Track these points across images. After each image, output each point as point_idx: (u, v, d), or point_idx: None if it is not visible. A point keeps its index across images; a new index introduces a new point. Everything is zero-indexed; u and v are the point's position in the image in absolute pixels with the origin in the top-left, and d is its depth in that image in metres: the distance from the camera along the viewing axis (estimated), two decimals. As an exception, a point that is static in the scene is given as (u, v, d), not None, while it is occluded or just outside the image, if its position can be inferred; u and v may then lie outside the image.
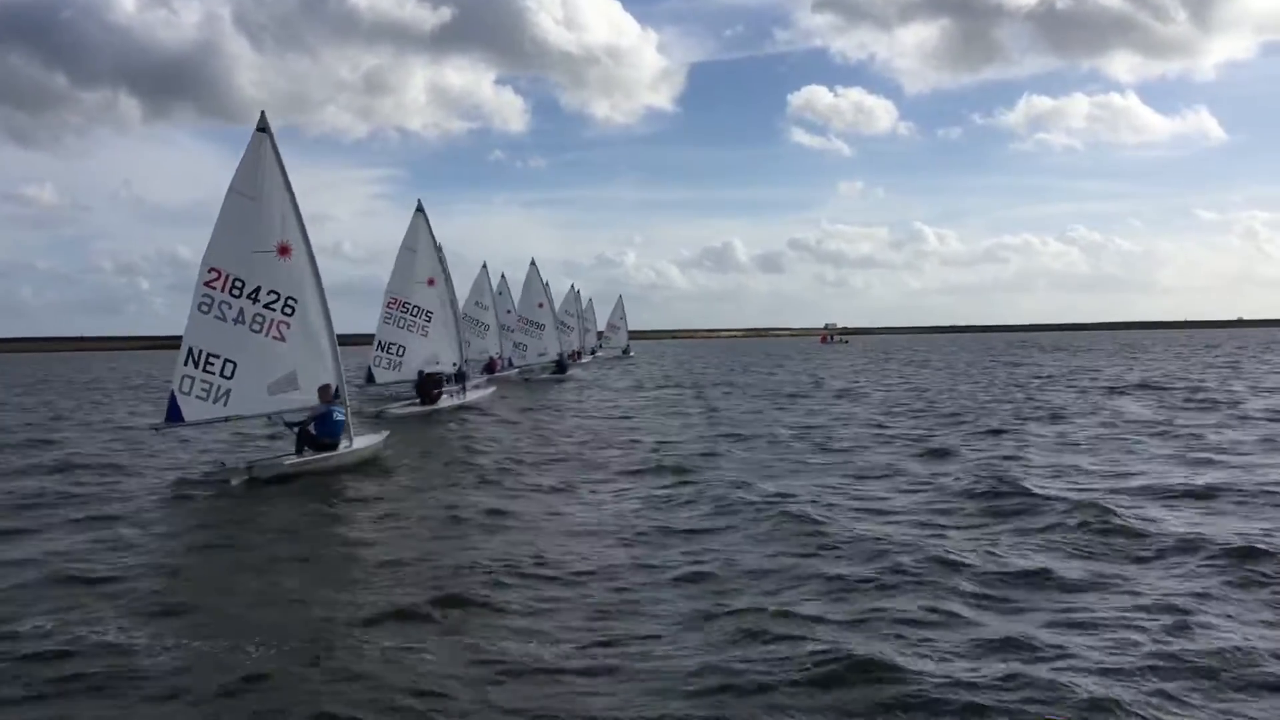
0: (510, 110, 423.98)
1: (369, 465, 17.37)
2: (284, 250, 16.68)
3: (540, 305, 47.02)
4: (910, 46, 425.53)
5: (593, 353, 75.81)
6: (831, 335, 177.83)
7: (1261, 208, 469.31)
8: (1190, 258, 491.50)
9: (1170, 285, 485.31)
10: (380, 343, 27.16)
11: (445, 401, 27.72)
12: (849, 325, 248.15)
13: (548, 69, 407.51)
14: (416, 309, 27.84)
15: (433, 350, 28.07)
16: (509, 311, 49.28)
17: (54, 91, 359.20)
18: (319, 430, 16.75)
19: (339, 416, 16.96)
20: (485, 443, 21.24)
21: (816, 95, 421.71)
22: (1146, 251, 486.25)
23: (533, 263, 48.26)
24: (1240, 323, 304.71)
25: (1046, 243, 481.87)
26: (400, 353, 27.36)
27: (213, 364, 16.15)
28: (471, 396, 30.04)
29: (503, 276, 52.49)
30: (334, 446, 16.84)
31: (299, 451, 16.66)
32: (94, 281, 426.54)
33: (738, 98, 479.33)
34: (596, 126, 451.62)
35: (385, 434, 19.02)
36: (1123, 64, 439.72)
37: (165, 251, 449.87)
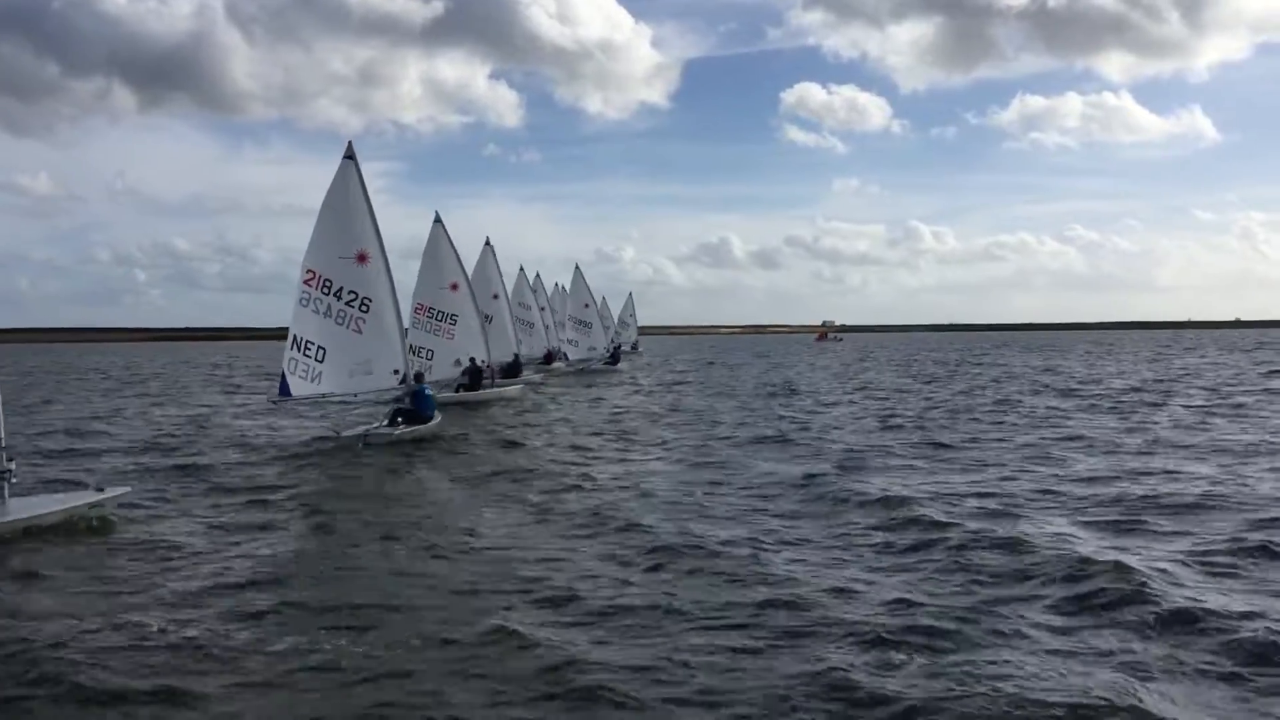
0: (504, 105, 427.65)
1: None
2: (362, 258, 21.39)
3: (587, 305, 53.62)
4: (903, 44, 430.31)
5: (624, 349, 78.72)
6: (828, 333, 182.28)
7: (1258, 208, 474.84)
8: (1188, 258, 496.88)
9: (1168, 285, 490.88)
10: (412, 346, 30.13)
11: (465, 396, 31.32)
12: (847, 323, 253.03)
13: (541, 63, 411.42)
14: (442, 314, 30.92)
15: (460, 351, 31.05)
16: (542, 309, 54.29)
17: (46, 81, 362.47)
18: (416, 406, 21.41)
19: (429, 393, 21.78)
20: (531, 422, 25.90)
21: (810, 92, 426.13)
22: (1144, 251, 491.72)
23: (576, 267, 55.08)
24: (1238, 323, 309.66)
25: (1044, 241, 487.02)
26: (430, 356, 29.95)
27: (310, 349, 20.63)
28: (509, 390, 33.49)
29: (537, 276, 58.22)
30: (426, 420, 21.40)
31: (392, 424, 21.10)
32: (91, 273, 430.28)
33: (732, 94, 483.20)
34: (591, 121, 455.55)
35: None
36: (1116, 64, 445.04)
37: (162, 243, 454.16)
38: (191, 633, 7.95)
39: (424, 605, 8.83)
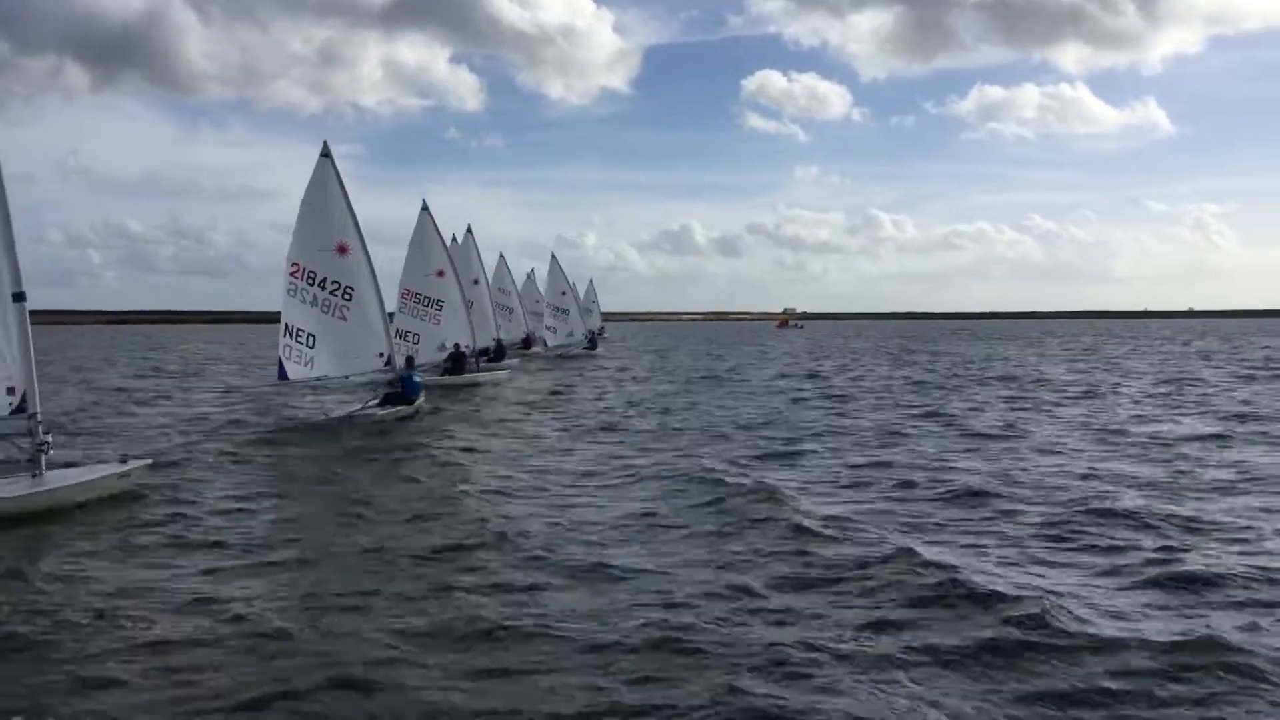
0: (465, 89, 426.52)
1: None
2: (343, 249, 22.83)
3: (564, 293, 55.21)
4: (864, 33, 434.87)
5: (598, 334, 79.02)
6: (789, 320, 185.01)
7: (1210, 200, 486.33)
8: (1142, 248, 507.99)
9: (1123, 275, 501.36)
10: (398, 330, 30.58)
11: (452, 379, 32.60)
12: (808, 310, 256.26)
13: (502, 47, 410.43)
14: (428, 299, 32.17)
15: (446, 335, 32.28)
16: (538, 301, 57.12)
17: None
18: (404, 389, 23.41)
19: (417, 379, 23.82)
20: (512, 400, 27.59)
21: (770, 80, 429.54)
22: (1099, 241, 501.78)
23: (553, 256, 56.41)
24: (1191, 313, 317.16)
25: (1002, 231, 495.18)
26: (416, 340, 31.21)
27: (301, 336, 22.20)
28: (499, 374, 35.16)
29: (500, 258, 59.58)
30: (412, 402, 23.45)
31: (382, 405, 23.09)
32: (43, 253, 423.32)
33: (693, 81, 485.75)
34: (553, 107, 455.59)
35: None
36: (1072, 55, 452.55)
37: (115, 224, 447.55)
38: (208, 591, 9.34)
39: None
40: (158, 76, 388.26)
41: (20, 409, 12.55)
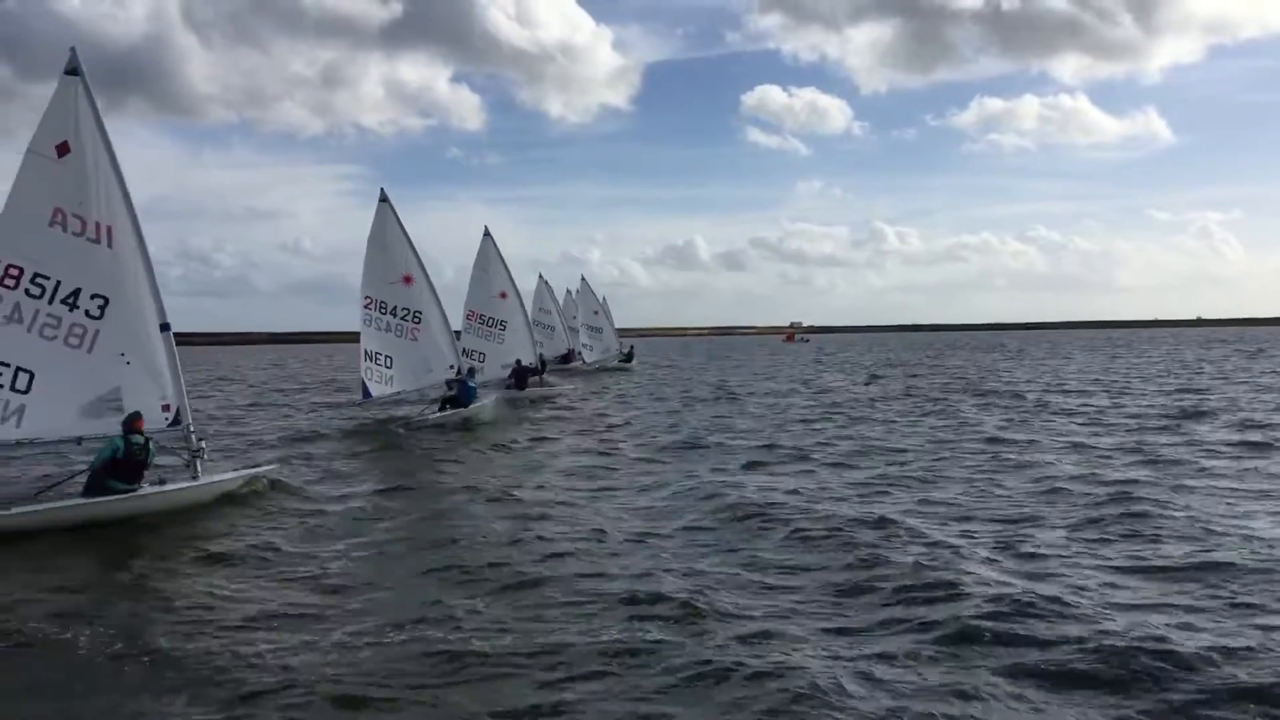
0: (466, 108, 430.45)
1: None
2: (408, 279, 26.27)
3: (596, 312, 58.90)
4: (862, 46, 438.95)
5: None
6: (795, 334, 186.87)
7: (1213, 208, 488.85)
8: (1147, 258, 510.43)
9: (1128, 285, 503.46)
10: (465, 349, 32.42)
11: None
12: (814, 324, 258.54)
13: (502, 66, 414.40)
14: (492, 320, 34.55)
15: (510, 354, 34.35)
16: (574, 318, 59.91)
17: (0, 85, 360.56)
18: (460, 395, 26.53)
19: (472, 385, 26.97)
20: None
21: (770, 95, 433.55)
22: (1104, 251, 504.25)
23: (583, 278, 60.29)
24: (1199, 322, 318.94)
25: (1005, 242, 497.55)
26: (482, 358, 33.42)
27: (379, 359, 25.75)
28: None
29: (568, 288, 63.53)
30: (466, 405, 26.47)
31: (441, 408, 26.31)
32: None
33: (693, 97, 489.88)
34: (554, 125, 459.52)
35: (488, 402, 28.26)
36: (1071, 66, 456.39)
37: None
38: (335, 577, 11.26)
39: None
40: (162, 101, 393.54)
41: (175, 422, 14.58)
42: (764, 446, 21.47)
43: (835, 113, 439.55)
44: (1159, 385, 39.00)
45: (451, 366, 26.63)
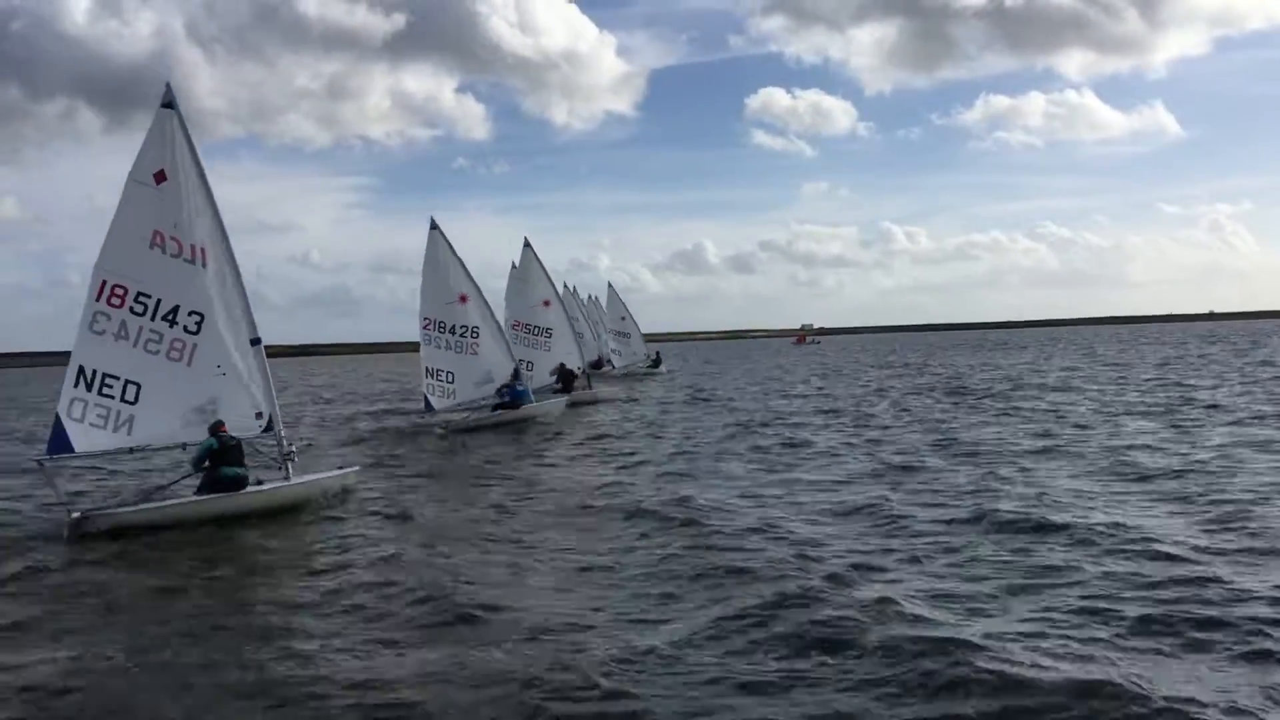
0: (472, 117, 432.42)
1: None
2: (463, 299, 28.59)
3: (624, 318, 60.58)
4: (865, 46, 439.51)
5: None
6: (807, 336, 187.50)
7: (1223, 201, 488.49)
8: (1158, 252, 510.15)
9: (1140, 280, 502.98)
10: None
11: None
12: (825, 325, 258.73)
13: (506, 74, 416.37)
14: (537, 328, 35.99)
15: (557, 360, 35.61)
16: (598, 323, 61.29)
17: (8, 105, 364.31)
18: (512, 398, 28.47)
19: (521, 387, 28.76)
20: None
21: (773, 97, 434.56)
22: (1115, 246, 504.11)
23: (610, 286, 62.56)
24: (1211, 316, 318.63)
25: (1016, 240, 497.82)
26: (530, 366, 34.10)
27: (440, 375, 28.01)
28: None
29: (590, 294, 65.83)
30: (518, 407, 28.54)
31: (494, 411, 28.40)
32: (63, 296, 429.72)
33: (698, 101, 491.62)
34: (560, 131, 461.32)
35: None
36: (1076, 61, 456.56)
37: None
38: (428, 560, 12.53)
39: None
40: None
41: (268, 428, 15.87)
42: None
43: (840, 114, 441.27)
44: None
45: (518, 372, 28.94)
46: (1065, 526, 12.28)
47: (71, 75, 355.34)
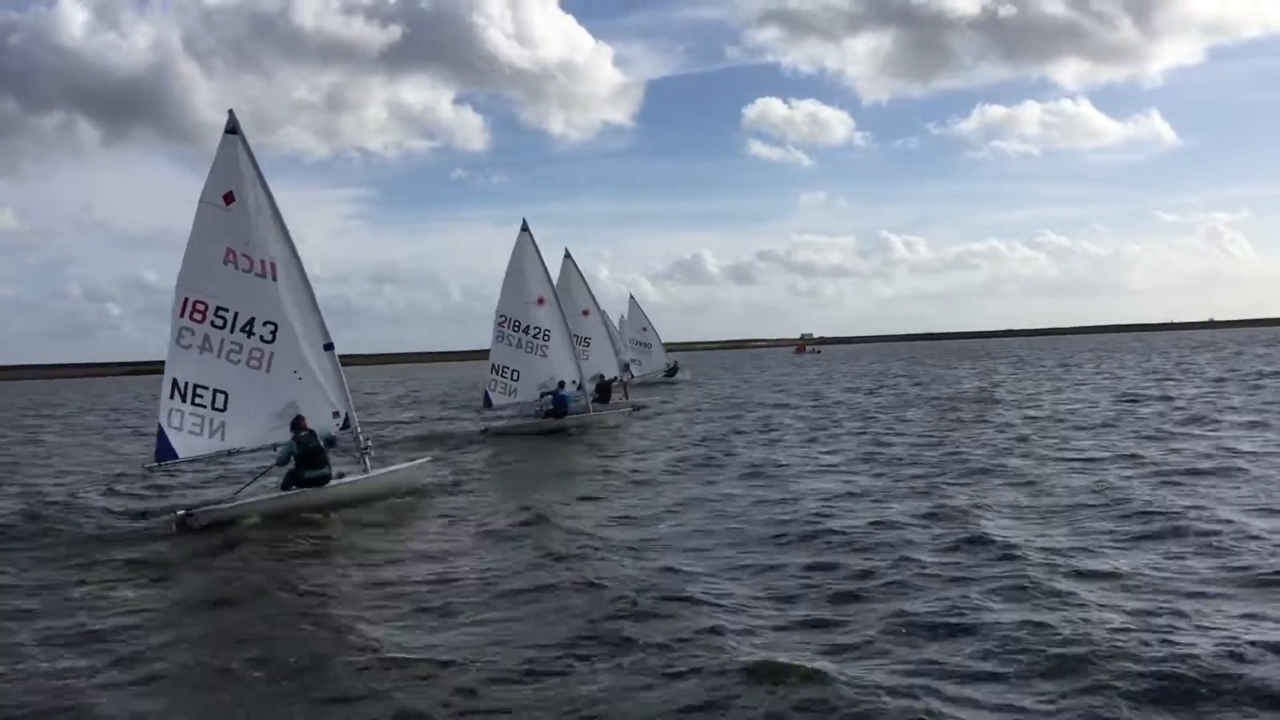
0: (470, 128, 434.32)
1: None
2: (540, 301, 30.28)
3: (644, 329, 62.03)
4: (861, 56, 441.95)
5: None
6: (806, 345, 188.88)
7: (1222, 209, 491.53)
8: (1157, 260, 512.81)
9: (1139, 288, 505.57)
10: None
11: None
12: (825, 334, 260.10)
13: (504, 85, 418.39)
14: (576, 337, 35.67)
15: (595, 369, 36.12)
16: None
17: (6, 117, 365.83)
18: (558, 405, 29.46)
19: (564, 393, 29.69)
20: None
21: (770, 108, 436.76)
22: (1114, 255, 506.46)
23: (631, 297, 63.73)
24: (1212, 323, 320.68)
25: (1014, 248, 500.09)
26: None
27: (506, 373, 29.50)
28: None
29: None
30: (563, 415, 29.58)
31: (540, 418, 29.86)
32: (62, 308, 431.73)
33: (695, 112, 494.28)
34: (558, 142, 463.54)
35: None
36: (1071, 71, 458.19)
37: (133, 276, 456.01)
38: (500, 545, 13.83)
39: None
40: (167, 129, 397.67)
41: (345, 425, 17.19)
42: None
43: (836, 124, 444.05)
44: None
45: (573, 381, 30.03)
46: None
47: (69, 88, 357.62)
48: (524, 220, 30.02)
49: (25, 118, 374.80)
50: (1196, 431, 23.40)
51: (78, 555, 13.72)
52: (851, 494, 16.52)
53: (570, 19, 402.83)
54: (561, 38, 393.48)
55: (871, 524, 13.71)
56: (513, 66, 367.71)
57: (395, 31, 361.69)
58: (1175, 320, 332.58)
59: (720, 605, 10.02)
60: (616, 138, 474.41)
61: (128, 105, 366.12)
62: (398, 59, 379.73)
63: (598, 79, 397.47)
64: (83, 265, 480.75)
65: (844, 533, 13.21)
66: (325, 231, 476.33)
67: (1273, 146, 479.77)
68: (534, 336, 29.78)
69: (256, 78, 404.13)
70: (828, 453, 22.55)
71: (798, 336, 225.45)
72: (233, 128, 17.29)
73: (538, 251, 30.16)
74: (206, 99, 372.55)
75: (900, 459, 20.68)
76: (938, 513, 14.23)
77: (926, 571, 10.95)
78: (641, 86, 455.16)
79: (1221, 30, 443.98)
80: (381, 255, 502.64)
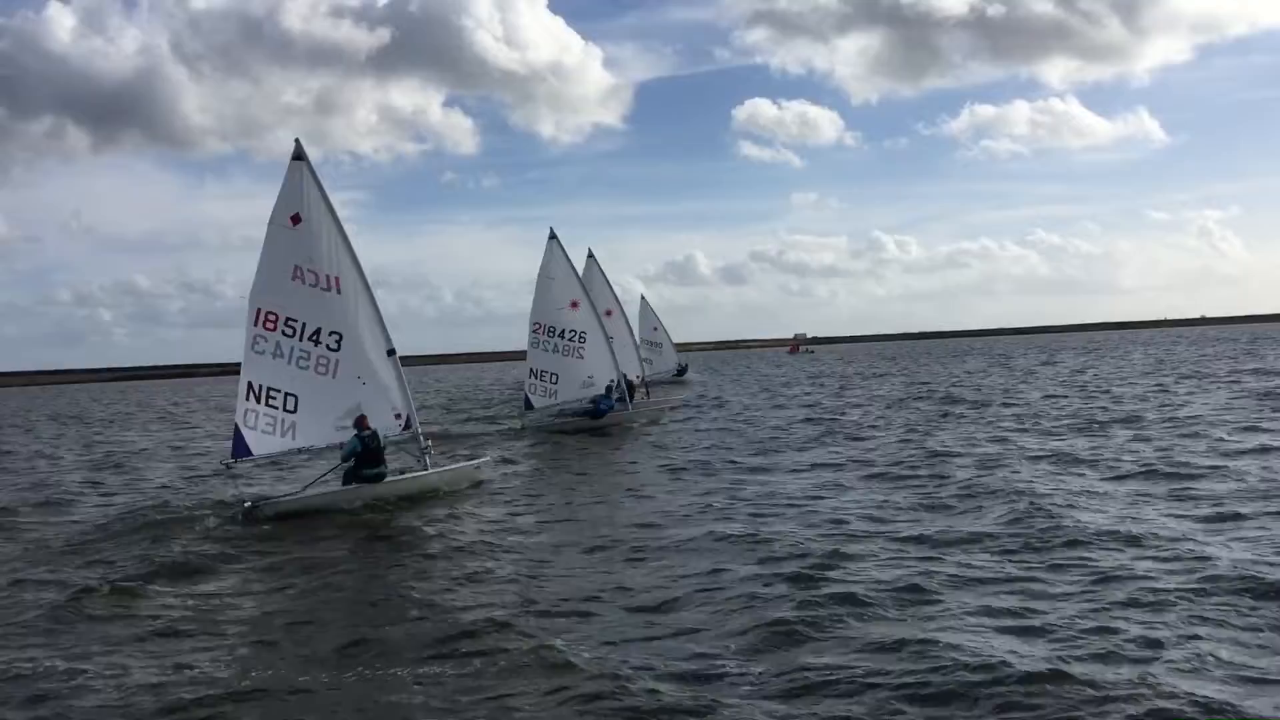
0: (460, 131, 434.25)
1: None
2: (574, 305, 32.15)
3: (655, 329, 63.88)
4: (850, 57, 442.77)
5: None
6: (800, 345, 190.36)
7: (1212, 207, 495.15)
8: (1148, 258, 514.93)
9: (1131, 286, 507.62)
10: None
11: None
12: (819, 334, 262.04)
13: (493, 88, 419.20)
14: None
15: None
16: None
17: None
18: (599, 407, 31.17)
19: (605, 399, 31.38)
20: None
21: (760, 108, 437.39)
22: (1105, 253, 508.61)
23: (643, 298, 65.55)
24: (1204, 320, 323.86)
25: (1005, 247, 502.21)
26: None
27: (544, 377, 31.34)
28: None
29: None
30: (599, 417, 31.28)
31: (579, 418, 31.76)
32: (52, 314, 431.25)
33: (685, 113, 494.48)
34: (548, 145, 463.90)
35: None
36: (1059, 69, 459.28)
37: (123, 281, 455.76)
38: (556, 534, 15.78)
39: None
40: (156, 134, 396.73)
41: (406, 426, 18.99)
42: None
43: (826, 124, 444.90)
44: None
45: (611, 380, 31.79)
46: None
47: (57, 93, 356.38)
48: (551, 229, 31.69)
49: (13, 124, 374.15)
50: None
51: (155, 542, 15.45)
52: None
53: (559, 21, 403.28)
54: (551, 40, 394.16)
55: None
56: (502, 69, 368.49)
57: (384, 35, 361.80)
58: (1167, 318, 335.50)
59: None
60: (607, 139, 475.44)
61: (116, 110, 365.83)
62: (387, 62, 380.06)
63: (588, 81, 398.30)
64: (73, 271, 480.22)
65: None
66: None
67: (1262, 144, 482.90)
68: (569, 340, 31.49)
69: (245, 82, 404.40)
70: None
71: (791, 337, 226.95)
72: (298, 155, 19.04)
73: (566, 257, 31.96)
74: (195, 103, 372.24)
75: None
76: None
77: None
78: (631, 88, 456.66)
79: (1209, 29, 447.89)
80: (373, 258, 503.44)
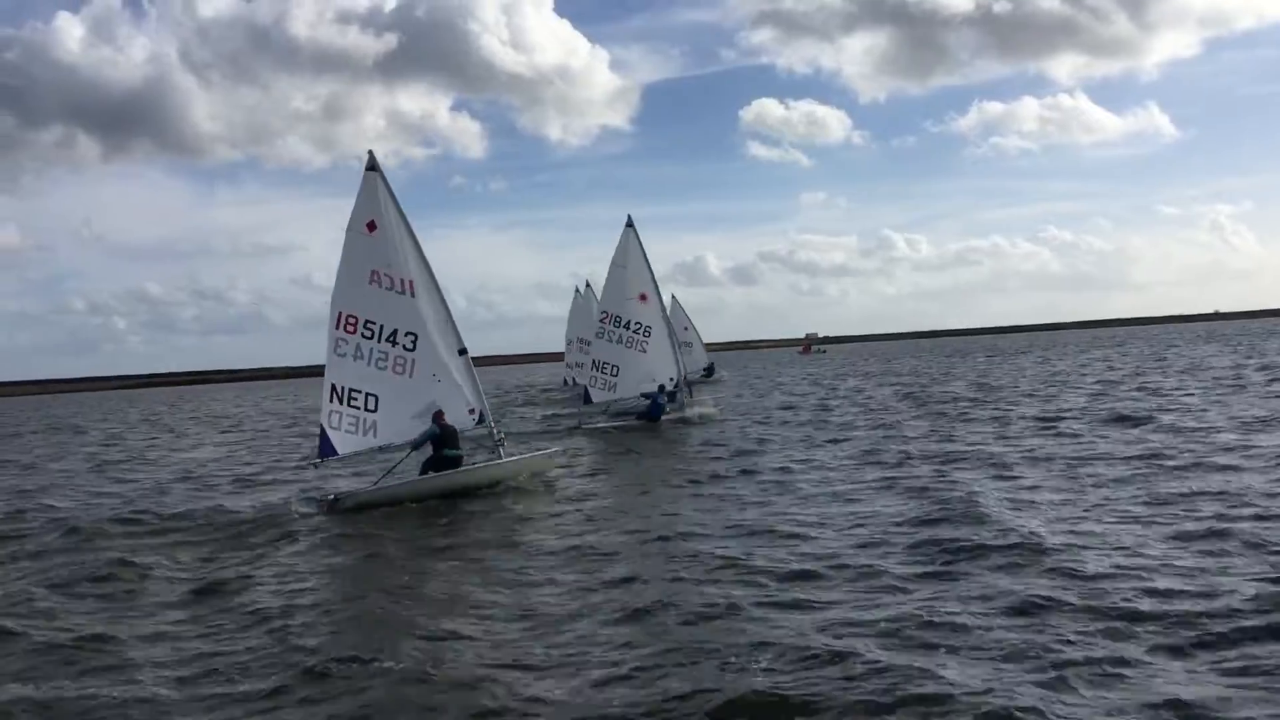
0: (468, 135, 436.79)
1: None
2: (643, 297, 32.45)
3: (686, 328, 63.59)
4: (857, 56, 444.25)
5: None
6: (812, 345, 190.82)
7: (1223, 201, 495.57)
8: (1161, 253, 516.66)
9: (1144, 281, 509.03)
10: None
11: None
12: (830, 334, 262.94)
13: (501, 92, 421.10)
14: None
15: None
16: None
17: (4, 133, 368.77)
18: (651, 411, 32.01)
19: (660, 400, 32.23)
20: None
21: (767, 108, 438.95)
22: (1117, 249, 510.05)
23: (673, 296, 64.88)
24: (1217, 315, 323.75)
25: (1016, 244, 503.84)
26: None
27: (606, 369, 31.91)
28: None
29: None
30: (654, 420, 32.03)
31: (636, 418, 32.23)
32: (65, 322, 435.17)
33: (693, 115, 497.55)
34: (556, 148, 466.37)
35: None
36: (1067, 65, 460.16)
37: (135, 289, 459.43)
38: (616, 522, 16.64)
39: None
40: (166, 142, 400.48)
41: (480, 421, 20.14)
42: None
43: (834, 123, 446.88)
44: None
45: (671, 379, 32.22)
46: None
47: (67, 103, 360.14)
48: (629, 216, 31.87)
49: (24, 133, 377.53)
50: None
51: (252, 534, 16.52)
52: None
53: (566, 24, 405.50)
54: (557, 43, 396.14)
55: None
56: (509, 72, 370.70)
57: (391, 40, 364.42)
58: (1180, 313, 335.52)
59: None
60: (615, 142, 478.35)
61: (126, 119, 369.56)
62: (394, 67, 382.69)
63: (594, 83, 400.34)
64: (85, 279, 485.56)
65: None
66: (326, 241, 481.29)
67: (1272, 137, 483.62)
68: (634, 332, 31.58)
69: (253, 89, 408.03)
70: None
71: (802, 337, 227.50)
72: (372, 165, 20.15)
73: (642, 248, 32.02)
74: (204, 110, 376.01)
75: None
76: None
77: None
78: (638, 90, 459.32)
79: (1216, 23, 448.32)
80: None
